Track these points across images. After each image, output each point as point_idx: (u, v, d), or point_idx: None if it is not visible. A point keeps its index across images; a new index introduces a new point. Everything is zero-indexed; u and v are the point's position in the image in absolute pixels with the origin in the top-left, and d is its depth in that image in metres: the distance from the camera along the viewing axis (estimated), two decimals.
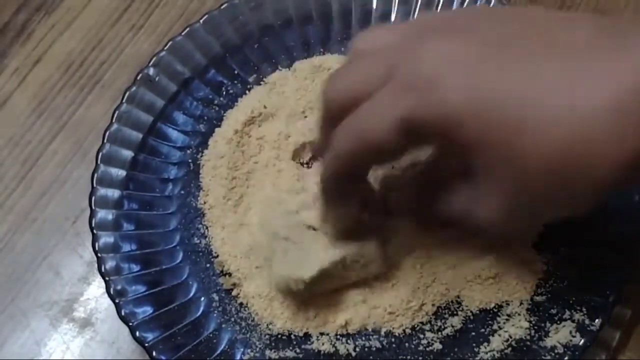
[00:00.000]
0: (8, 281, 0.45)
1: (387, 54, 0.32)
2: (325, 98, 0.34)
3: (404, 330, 0.41)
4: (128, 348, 0.43)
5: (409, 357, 0.40)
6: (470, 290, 0.41)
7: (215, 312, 0.42)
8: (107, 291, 0.41)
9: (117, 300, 0.40)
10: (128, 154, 0.45)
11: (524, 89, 0.28)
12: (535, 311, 0.40)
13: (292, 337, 0.41)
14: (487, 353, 0.40)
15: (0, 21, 0.53)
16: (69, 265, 0.46)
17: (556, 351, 0.39)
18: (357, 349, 0.41)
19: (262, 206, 0.43)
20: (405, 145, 0.32)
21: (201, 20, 0.48)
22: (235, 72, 0.48)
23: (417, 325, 0.41)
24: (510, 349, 0.40)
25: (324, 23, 0.49)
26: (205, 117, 0.47)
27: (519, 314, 0.40)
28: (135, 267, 0.42)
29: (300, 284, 0.38)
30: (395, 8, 0.49)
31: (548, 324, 0.40)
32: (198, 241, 0.43)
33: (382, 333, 0.41)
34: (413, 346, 0.40)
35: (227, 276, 0.42)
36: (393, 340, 0.41)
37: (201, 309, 0.42)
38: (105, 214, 0.43)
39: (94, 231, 0.42)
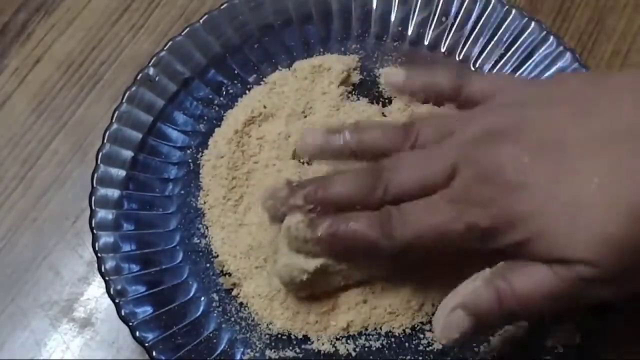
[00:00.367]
0: (8, 281, 0.45)
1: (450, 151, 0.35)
2: (393, 186, 0.36)
3: (404, 330, 0.41)
4: (128, 348, 0.43)
5: (409, 357, 0.40)
6: None
7: (215, 312, 0.42)
8: (107, 291, 0.41)
9: (117, 300, 0.40)
10: (128, 154, 0.45)
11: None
12: None
13: (292, 337, 0.41)
14: (487, 353, 0.40)
15: (0, 21, 0.53)
16: (69, 265, 0.46)
17: (556, 351, 0.39)
18: (357, 349, 0.41)
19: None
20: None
21: (201, 20, 0.48)
22: (235, 72, 0.48)
23: (417, 325, 0.41)
24: (510, 349, 0.40)
25: (324, 23, 0.49)
26: (205, 117, 0.47)
27: None
28: (135, 267, 0.42)
29: (305, 274, 0.38)
30: (396, 8, 0.49)
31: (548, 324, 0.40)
32: (198, 241, 0.43)
33: (382, 333, 0.41)
34: (413, 346, 0.40)
35: (227, 276, 0.42)
36: (393, 340, 0.41)
37: (201, 308, 0.41)
38: (105, 214, 0.43)
39: (94, 231, 0.42)
